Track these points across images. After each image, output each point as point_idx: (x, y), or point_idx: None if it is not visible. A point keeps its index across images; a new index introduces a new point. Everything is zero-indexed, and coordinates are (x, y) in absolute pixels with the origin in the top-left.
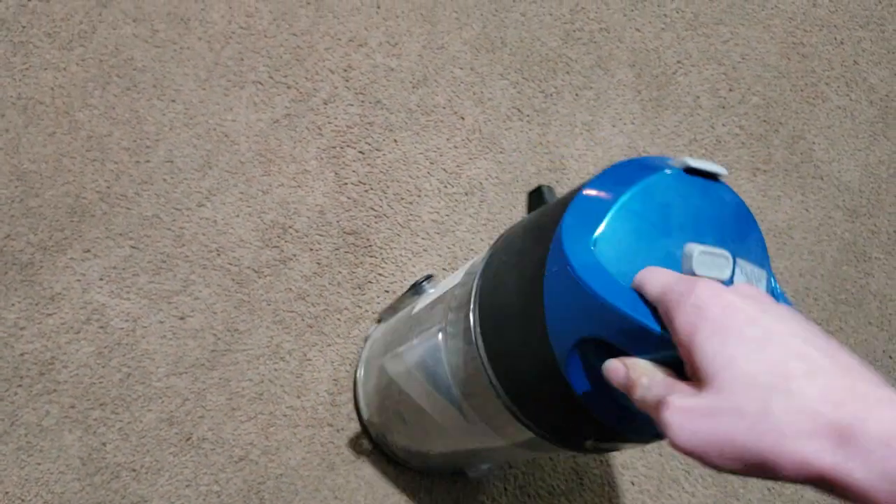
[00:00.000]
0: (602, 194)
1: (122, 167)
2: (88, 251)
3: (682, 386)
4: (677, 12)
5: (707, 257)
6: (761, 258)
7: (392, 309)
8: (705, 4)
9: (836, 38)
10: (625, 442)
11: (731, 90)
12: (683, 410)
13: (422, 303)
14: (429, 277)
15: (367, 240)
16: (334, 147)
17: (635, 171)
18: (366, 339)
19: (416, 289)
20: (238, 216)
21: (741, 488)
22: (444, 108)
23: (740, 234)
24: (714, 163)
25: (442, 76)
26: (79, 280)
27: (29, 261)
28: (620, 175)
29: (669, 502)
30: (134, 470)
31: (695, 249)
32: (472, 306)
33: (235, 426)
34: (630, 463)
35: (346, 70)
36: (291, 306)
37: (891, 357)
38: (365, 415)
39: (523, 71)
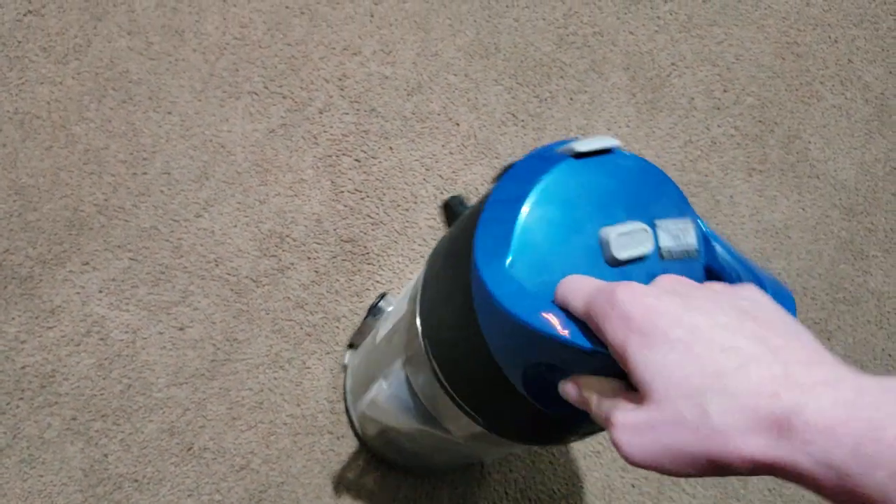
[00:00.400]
0: (504, 209)
1: (120, 180)
2: (87, 264)
3: (623, 402)
4: (671, 14)
5: (625, 238)
6: (681, 207)
7: (360, 333)
8: (699, 6)
9: (830, 37)
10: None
11: (725, 91)
12: (627, 427)
13: (383, 328)
14: (383, 296)
15: (365, 247)
16: (330, 156)
17: (529, 174)
18: (344, 368)
19: (374, 311)
20: (235, 226)
21: (742, 489)
22: (439, 114)
23: (652, 194)
24: (601, 137)
25: (436, 83)
26: (78, 293)
27: (28, 274)
28: (516, 182)
29: None
30: (136, 481)
31: (610, 234)
32: (421, 341)
33: (236, 435)
34: (631, 467)
35: (340, 79)
36: (290, 315)
37: (890, 355)
38: (361, 433)
39: (517, 76)
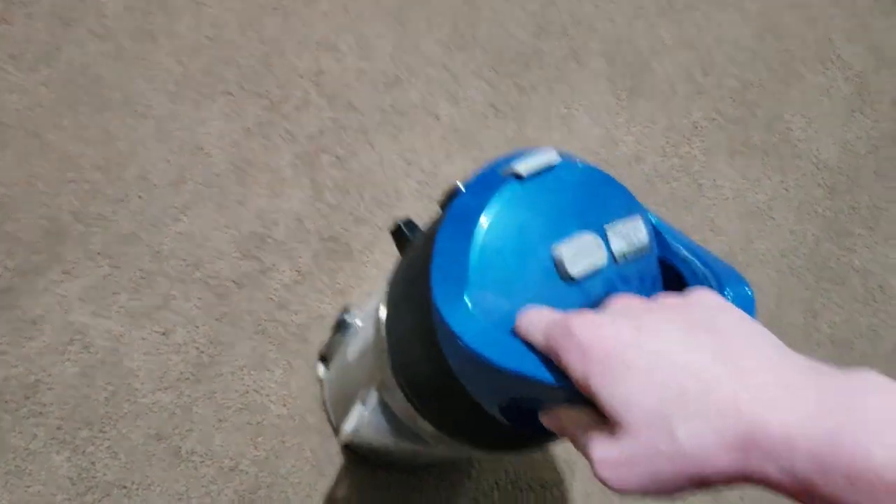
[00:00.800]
0: (455, 241)
1: (97, 186)
2: (67, 273)
3: (599, 435)
4: (649, 0)
5: (576, 253)
6: (629, 205)
7: (329, 348)
8: None
9: (809, 17)
10: None
11: (706, 75)
12: (607, 463)
13: (353, 345)
14: (347, 310)
15: (347, 245)
16: (309, 153)
17: (475, 201)
18: (320, 380)
19: (341, 327)
20: (215, 229)
21: None
22: (418, 108)
23: (599, 199)
24: (540, 153)
25: (415, 76)
26: (59, 302)
27: (7, 286)
28: (463, 211)
29: None
30: (125, 487)
31: (562, 253)
32: (391, 373)
33: (224, 437)
34: None
35: (316, 75)
36: (273, 316)
37: (875, 331)
38: (347, 441)
39: (497, 67)
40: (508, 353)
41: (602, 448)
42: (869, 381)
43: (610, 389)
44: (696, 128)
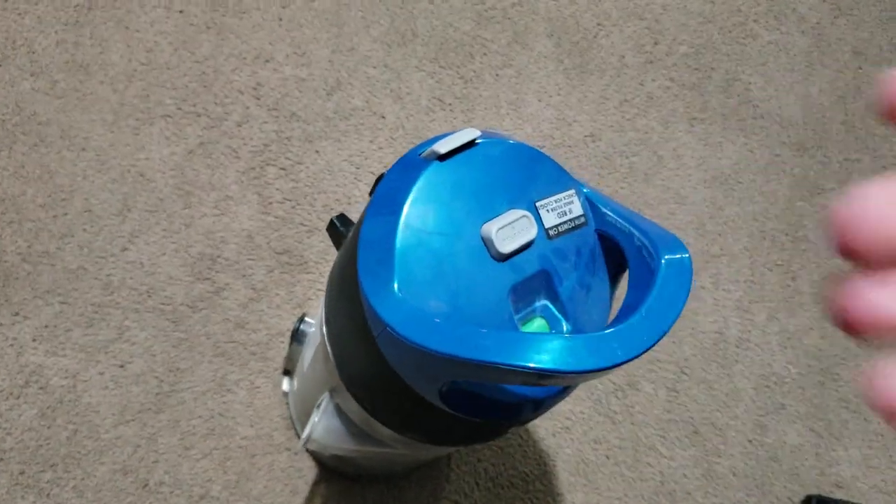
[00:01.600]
0: (380, 228)
1: (41, 224)
2: (17, 314)
3: None
4: None
5: (506, 230)
6: (560, 179)
7: (289, 359)
8: None
9: None
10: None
11: (656, 44)
12: None
13: (308, 354)
14: (303, 318)
15: (301, 256)
16: (254, 168)
17: (397, 186)
18: (286, 395)
19: (297, 336)
20: (164, 254)
21: (721, 444)
22: (362, 110)
23: (527, 175)
24: (461, 132)
25: (356, 78)
26: (11, 345)
27: None
28: (387, 197)
29: (648, 470)
30: None
31: (491, 230)
32: (337, 374)
33: (192, 465)
34: (602, 437)
35: (255, 88)
36: (231, 336)
37: None
38: (308, 448)
39: (439, 59)
40: (443, 338)
41: None
42: None
43: None
44: (651, 98)
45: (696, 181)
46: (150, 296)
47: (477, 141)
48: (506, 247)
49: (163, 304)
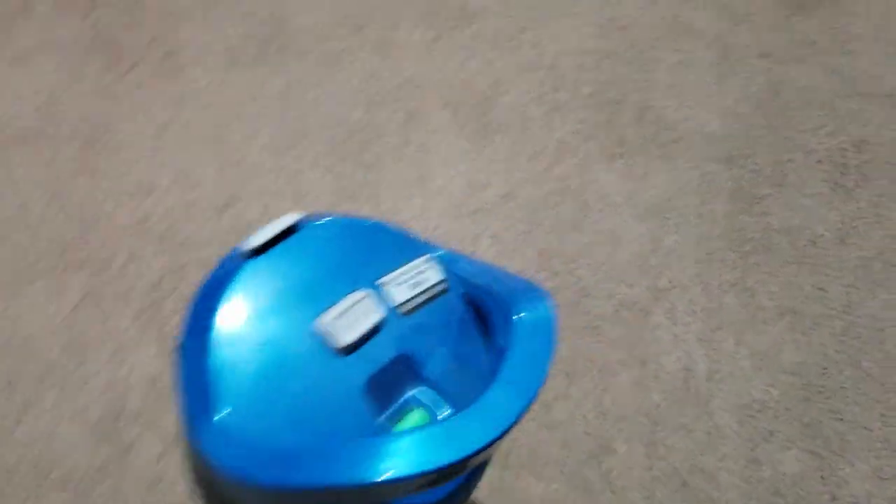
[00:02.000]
0: (196, 352)
1: None
2: None
3: None
4: (474, 38)
5: (345, 318)
6: (408, 247)
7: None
8: (503, 19)
9: (648, 0)
10: None
11: (557, 90)
12: None
13: None
14: None
15: None
16: (149, 307)
17: (208, 294)
18: None
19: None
20: (61, 421)
21: (715, 491)
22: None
23: (366, 251)
24: (276, 222)
25: (248, 189)
26: None
27: None
28: (197, 312)
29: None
30: None
31: (324, 326)
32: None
33: None
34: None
35: (140, 222)
36: (149, 497)
37: (821, 289)
38: None
39: (335, 153)
40: (263, 467)
41: None
42: None
43: None
44: (563, 144)
45: (627, 218)
46: (51, 470)
47: (299, 226)
48: (347, 337)
49: (66, 477)
